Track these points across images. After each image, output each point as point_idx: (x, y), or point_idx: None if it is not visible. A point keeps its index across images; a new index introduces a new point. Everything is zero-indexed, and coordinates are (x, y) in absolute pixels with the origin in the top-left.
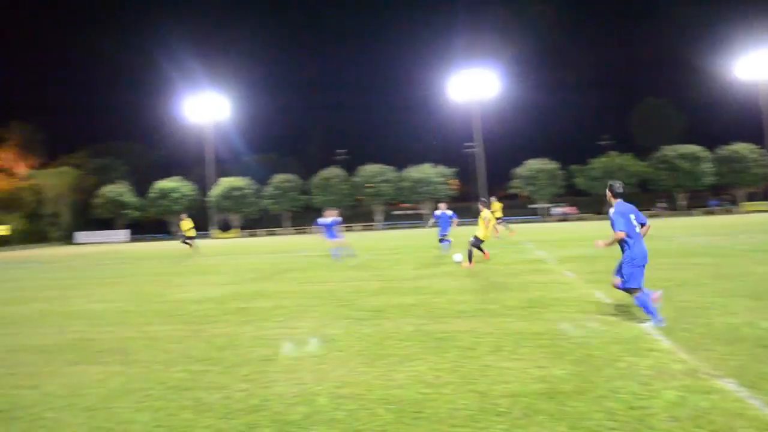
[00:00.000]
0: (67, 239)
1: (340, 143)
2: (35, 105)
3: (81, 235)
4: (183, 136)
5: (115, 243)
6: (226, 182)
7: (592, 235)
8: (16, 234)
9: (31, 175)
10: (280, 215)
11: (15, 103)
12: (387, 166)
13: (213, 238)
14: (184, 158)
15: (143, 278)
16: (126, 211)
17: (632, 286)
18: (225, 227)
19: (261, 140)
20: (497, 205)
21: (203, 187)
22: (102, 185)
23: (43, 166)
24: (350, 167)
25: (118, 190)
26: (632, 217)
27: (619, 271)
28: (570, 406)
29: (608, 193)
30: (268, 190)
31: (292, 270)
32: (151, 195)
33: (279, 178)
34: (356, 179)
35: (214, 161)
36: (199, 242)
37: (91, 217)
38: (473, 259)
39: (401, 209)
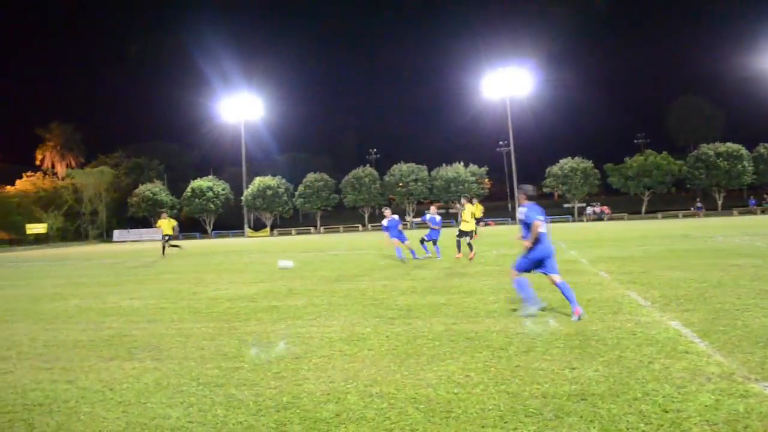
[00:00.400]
0: (104, 237)
1: (371, 142)
2: (75, 107)
3: (117, 233)
4: (217, 136)
5: (150, 241)
6: (259, 181)
7: (627, 235)
8: (55, 232)
9: (70, 174)
10: (312, 214)
11: (55, 105)
12: (419, 166)
13: (246, 236)
14: (218, 158)
15: (176, 276)
16: (161, 210)
17: (518, 270)
18: (258, 226)
19: (293, 140)
20: (479, 207)
21: (237, 186)
22: (138, 184)
23: (81, 165)
24: (382, 166)
25: (154, 189)
26: (538, 218)
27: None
28: (602, 408)
29: (521, 196)
30: (300, 189)
31: (323, 269)
32: (186, 194)
33: (311, 178)
34: (388, 178)
35: (247, 160)
36: (182, 242)
37: (128, 215)
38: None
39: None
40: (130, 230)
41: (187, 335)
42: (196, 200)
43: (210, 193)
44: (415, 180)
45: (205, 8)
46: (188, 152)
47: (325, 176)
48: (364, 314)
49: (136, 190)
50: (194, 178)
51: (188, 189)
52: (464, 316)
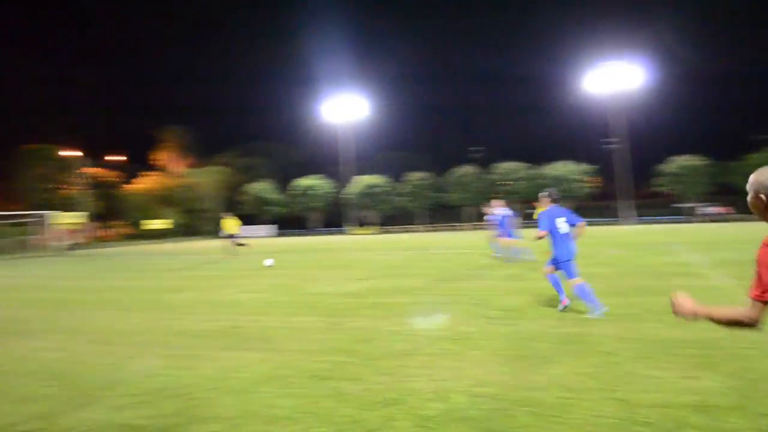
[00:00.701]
0: (217, 233)
1: (474, 140)
2: (192, 110)
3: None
4: (323, 135)
5: (258, 237)
6: (363, 180)
7: (747, 237)
8: (172, 227)
9: (187, 173)
10: (415, 213)
11: (173, 108)
12: (523, 163)
13: (349, 234)
14: (323, 156)
15: (285, 271)
16: (269, 207)
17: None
18: (362, 224)
19: (397, 138)
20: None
21: (341, 184)
22: (248, 183)
23: (197, 165)
24: (485, 164)
25: (262, 187)
26: (561, 221)
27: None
28: (725, 421)
29: (546, 199)
30: (403, 187)
31: (427, 267)
32: (293, 192)
33: (414, 176)
34: (491, 176)
35: (351, 159)
36: (247, 241)
37: (239, 212)
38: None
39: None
40: (242, 227)
41: (296, 329)
42: (301, 198)
43: (316, 192)
44: (519, 178)
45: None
46: (294, 151)
47: (428, 174)
48: (469, 313)
49: (247, 188)
50: (300, 177)
51: (295, 187)
52: (573, 319)
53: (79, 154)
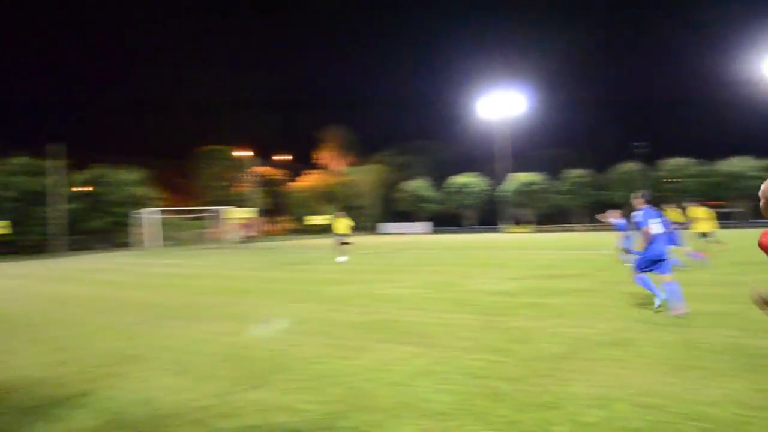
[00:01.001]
0: (375, 229)
1: (638, 135)
2: (352, 110)
3: (386, 226)
4: (478, 132)
5: (414, 234)
6: (519, 177)
7: None
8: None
9: (346, 171)
10: (574, 211)
11: (335, 109)
12: (693, 159)
13: (504, 232)
14: (479, 154)
15: (440, 268)
16: (424, 205)
17: (638, 269)
18: (518, 222)
19: (555, 134)
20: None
21: (496, 182)
22: (404, 180)
23: (356, 163)
24: (650, 160)
25: (418, 184)
26: (652, 222)
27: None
28: None
29: (640, 200)
30: (561, 185)
31: (586, 268)
32: (448, 189)
33: (573, 173)
34: (657, 173)
35: (507, 156)
36: (436, 237)
37: (395, 209)
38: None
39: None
40: (397, 223)
41: (451, 325)
42: (456, 195)
43: (470, 189)
44: (689, 175)
45: (468, 9)
46: (450, 149)
47: (589, 171)
48: (632, 318)
49: (403, 186)
50: (455, 174)
51: (449, 184)
52: (750, 330)
53: (250, 154)
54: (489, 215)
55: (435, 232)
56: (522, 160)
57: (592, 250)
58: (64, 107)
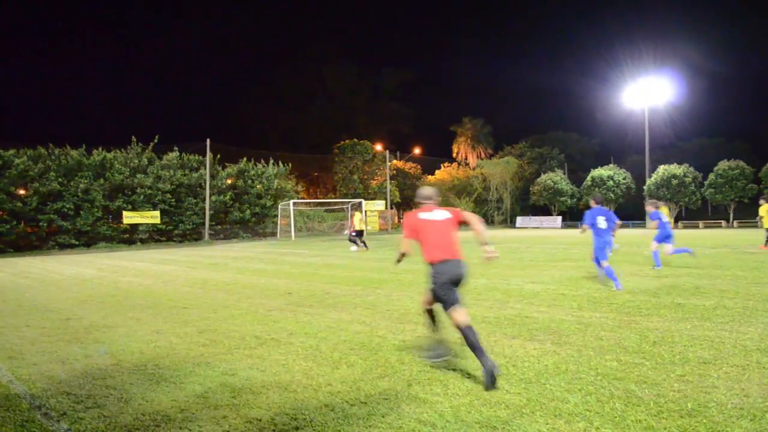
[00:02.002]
0: (508, 223)
1: None
2: (485, 101)
3: (520, 220)
4: (619, 123)
5: (551, 228)
6: (663, 170)
7: None
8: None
9: (479, 164)
10: (723, 206)
11: (469, 102)
12: None
13: (647, 228)
14: (620, 145)
15: (575, 263)
16: (561, 199)
17: (600, 259)
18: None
19: (704, 124)
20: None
21: (639, 175)
22: (540, 173)
23: (489, 156)
24: None
25: (554, 178)
26: (601, 218)
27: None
28: None
29: (591, 201)
30: (710, 178)
31: (735, 267)
32: (586, 183)
33: (723, 165)
34: None
35: (650, 148)
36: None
37: (530, 203)
38: None
39: None
40: (531, 217)
41: (585, 323)
42: (596, 189)
43: (610, 183)
44: None
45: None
46: (588, 141)
47: (742, 164)
48: None
49: (538, 179)
50: (594, 167)
51: (588, 178)
52: None
53: (383, 148)
54: (630, 210)
55: (570, 227)
56: (667, 151)
57: (743, 248)
58: (211, 105)
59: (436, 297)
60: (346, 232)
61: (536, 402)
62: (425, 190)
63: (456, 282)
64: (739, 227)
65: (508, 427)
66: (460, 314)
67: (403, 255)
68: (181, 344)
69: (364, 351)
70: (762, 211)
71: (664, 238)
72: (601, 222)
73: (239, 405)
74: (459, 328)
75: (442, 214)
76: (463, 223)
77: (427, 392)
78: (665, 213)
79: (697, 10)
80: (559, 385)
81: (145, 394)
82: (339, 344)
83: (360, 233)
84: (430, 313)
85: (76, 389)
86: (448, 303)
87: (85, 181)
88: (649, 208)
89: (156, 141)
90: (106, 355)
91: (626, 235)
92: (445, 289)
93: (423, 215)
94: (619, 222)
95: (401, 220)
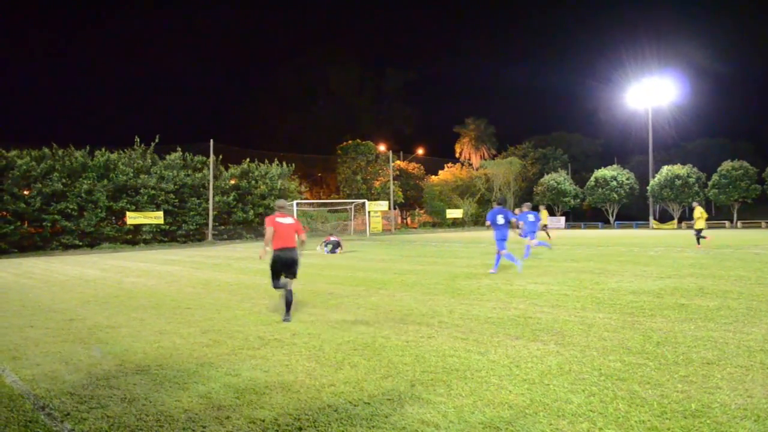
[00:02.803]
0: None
1: None
2: (488, 102)
3: None
4: (623, 124)
5: (553, 229)
6: (666, 170)
7: None
8: (469, 217)
9: (483, 165)
10: (727, 207)
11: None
12: None
13: (650, 228)
14: (623, 146)
15: (578, 265)
16: (565, 199)
17: (499, 248)
18: (663, 218)
19: (707, 124)
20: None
21: (642, 176)
22: (543, 174)
23: (493, 157)
24: None
25: (558, 178)
26: (499, 216)
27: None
28: None
29: (494, 203)
30: (714, 178)
31: (739, 268)
32: (589, 183)
33: (727, 166)
34: None
35: (654, 148)
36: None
37: (533, 203)
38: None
39: None
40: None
41: (589, 324)
42: (600, 190)
43: (614, 183)
44: None
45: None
46: (591, 141)
47: (746, 164)
48: None
49: (541, 180)
50: (598, 168)
51: (591, 179)
52: None
53: (386, 148)
54: (634, 210)
55: (574, 227)
56: (670, 151)
57: (746, 248)
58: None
59: (277, 269)
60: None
61: (539, 402)
62: (280, 202)
63: (288, 262)
64: (743, 228)
65: (512, 428)
66: (289, 283)
67: (266, 244)
68: (184, 345)
69: (368, 351)
70: (697, 213)
71: (528, 233)
72: (500, 219)
73: (243, 405)
74: (286, 288)
75: (289, 220)
76: (297, 230)
77: (430, 393)
78: (544, 215)
79: (700, 10)
80: (562, 385)
81: (149, 394)
82: (342, 345)
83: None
84: (278, 281)
85: (79, 390)
86: (285, 274)
87: (89, 182)
88: (517, 211)
89: (157, 141)
90: (101, 354)
91: (630, 236)
92: (281, 264)
93: (278, 219)
94: (514, 219)
95: (404, 221)
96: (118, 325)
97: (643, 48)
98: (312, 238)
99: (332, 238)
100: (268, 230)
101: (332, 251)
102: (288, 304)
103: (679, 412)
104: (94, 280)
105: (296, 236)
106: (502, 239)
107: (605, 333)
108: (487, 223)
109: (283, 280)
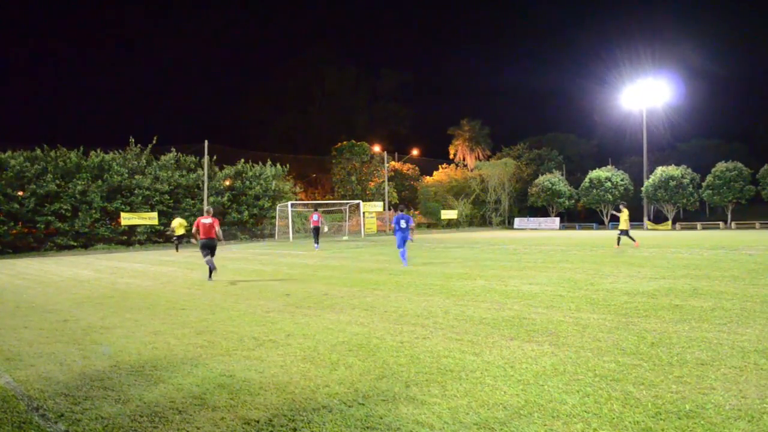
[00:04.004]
0: (506, 224)
1: None
2: (483, 103)
3: (518, 221)
4: (617, 125)
5: (548, 230)
6: (661, 171)
7: None
8: (464, 218)
9: (477, 166)
10: (721, 208)
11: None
12: None
13: (645, 229)
14: (617, 147)
15: (573, 266)
16: (559, 200)
17: (399, 247)
18: (657, 219)
19: (701, 125)
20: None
21: (637, 176)
22: (538, 175)
23: (487, 157)
24: None
25: (552, 179)
26: (402, 221)
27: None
28: None
29: (398, 211)
30: (708, 179)
31: (733, 269)
32: (584, 184)
33: (721, 167)
34: None
35: (648, 149)
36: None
37: (528, 204)
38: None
39: None
40: (529, 218)
41: (583, 325)
42: (594, 191)
43: (608, 184)
44: None
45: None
46: (586, 142)
47: (740, 165)
48: None
49: (536, 180)
50: (592, 169)
51: (586, 179)
52: None
53: (381, 149)
54: (630, 211)
55: (568, 228)
56: (664, 152)
57: (740, 249)
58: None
59: (205, 250)
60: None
61: (534, 403)
62: (207, 208)
63: (210, 245)
64: (737, 228)
65: (506, 429)
66: (211, 258)
67: (194, 236)
68: (179, 345)
69: (362, 352)
70: (625, 215)
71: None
72: (402, 223)
73: (237, 406)
74: (211, 260)
75: (208, 220)
76: (214, 225)
77: (425, 393)
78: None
79: (695, 11)
80: (557, 386)
81: (143, 395)
82: (337, 345)
83: (179, 238)
84: (206, 257)
85: (74, 390)
86: (208, 253)
87: (83, 182)
88: (391, 214)
89: (154, 142)
90: (109, 352)
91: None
92: (206, 247)
93: (203, 220)
94: (413, 225)
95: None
96: (112, 326)
97: (638, 49)
98: (306, 241)
99: (314, 216)
100: (194, 228)
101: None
102: (210, 271)
103: (673, 413)
104: (88, 281)
105: (214, 229)
106: (402, 239)
107: (600, 334)
108: (392, 226)
109: (207, 257)
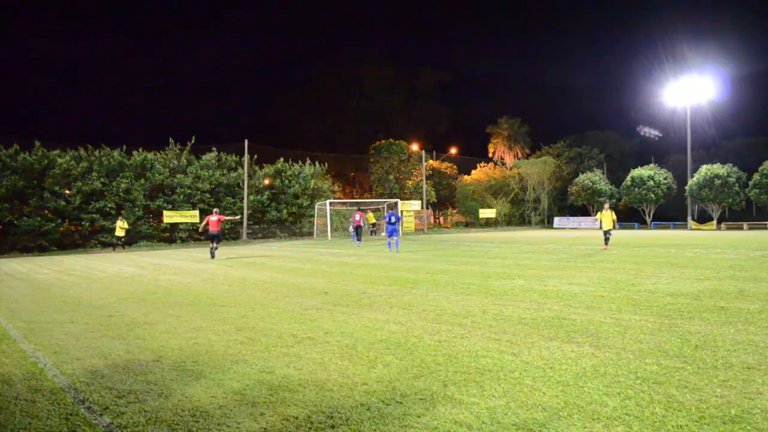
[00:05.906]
0: (545, 223)
1: None
2: (522, 102)
3: (558, 220)
4: (660, 122)
5: (587, 229)
6: (705, 170)
7: None
8: (502, 217)
9: (516, 164)
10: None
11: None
12: None
13: (689, 229)
14: (661, 145)
15: (614, 265)
16: (600, 199)
17: (388, 236)
18: (702, 218)
19: (749, 122)
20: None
21: (680, 175)
22: (578, 173)
23: (526, 156)
24: None
25: (593, 178)
26: (392, 218)
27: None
28: None
29: (389, 209)
30: (755, 178)
31: None
32: (625, 183)
33: None
34: None
35: (693, 148)
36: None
37: (567, 203)
38: None
39: None
40: (569, 218)
41: (625, 326)
42: (636, 190)
43: (651, 183)
44: None
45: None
46: (628, 140)
47: None
48: None
49: (576, 179)
50: (634, 167)
51: (627, 178)
52: None
53: (419, 148)
54: (672, 211)
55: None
56: (710, 151)
57: None
58: (249, 106)
59: (209, 239)
60: (351, 228)
61: (574, 405)
62: (216, 210)
63: (215, 237)
64: None
65: (545, 430)
66: (215, 246)
67: (203, 229)
68: (219, 341)
69: (400, 351)
70: (612, 215)
71: (374, 231)
72: (392, 219)
73: (276, 402)
74: (214, 248)
75: (215, 217)
76: (220, 219)
77: (463, 393)
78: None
79: (741, 6)
80: (597, 388)
81: (185, 389)
82: (375, 344)
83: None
84: (212, 245)
85: (118, 384)
86: (214, 242)
87: (127, 181)
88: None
89: (192, 142)
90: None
91: (667, 237)
92: (211, 237)
93: (211, 217)
94: (402, 220)
95: (437, 220)
96: (155, 322)
97: (682, 45)
98: (344, 239)
99: (356, 216)
100: (203, 222)
101: (372, 233)
102: (212, 256)
103: (717, 418)
104: (131, 278)
105: (220, 223)
106: (392, 231)
107: (641, 335)
108: (384, 219)
109: (213, 244)
